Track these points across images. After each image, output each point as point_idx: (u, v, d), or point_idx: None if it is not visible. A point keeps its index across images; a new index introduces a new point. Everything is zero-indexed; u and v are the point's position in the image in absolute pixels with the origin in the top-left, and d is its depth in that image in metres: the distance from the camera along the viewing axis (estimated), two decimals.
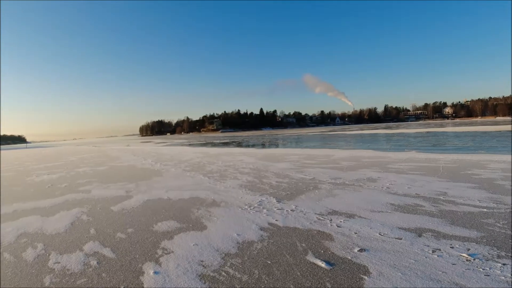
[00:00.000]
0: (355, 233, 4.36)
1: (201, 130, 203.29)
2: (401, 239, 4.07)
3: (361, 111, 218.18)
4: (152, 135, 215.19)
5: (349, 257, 3.55)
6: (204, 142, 45.49)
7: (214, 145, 35.94)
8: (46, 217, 6.05)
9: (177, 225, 5.12)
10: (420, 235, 4.16)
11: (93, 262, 3.80)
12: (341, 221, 4.89)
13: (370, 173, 9.48)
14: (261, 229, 4.70)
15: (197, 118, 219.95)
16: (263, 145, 30.66)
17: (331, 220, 4.99)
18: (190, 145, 39.04)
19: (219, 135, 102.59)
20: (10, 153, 46.38)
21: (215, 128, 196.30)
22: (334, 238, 4.18)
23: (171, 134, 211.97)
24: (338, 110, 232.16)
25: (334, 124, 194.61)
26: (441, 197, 6.08)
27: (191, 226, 5.00)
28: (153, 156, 20.17)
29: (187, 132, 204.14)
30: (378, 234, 4.28)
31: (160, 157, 19.52)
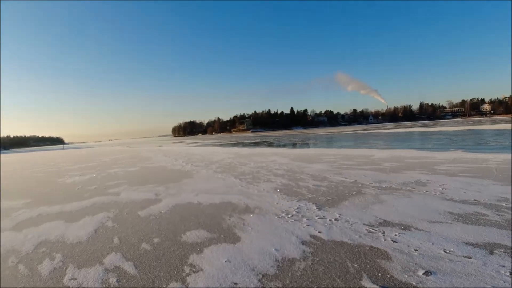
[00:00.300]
0: (415, 250, 3.65)
1: (231, 130, 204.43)
2: (470, 257, 3.36)
3: (395, 109, 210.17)
4: (184, 136, 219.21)
5: (414, 283, 2.89)
6: (235, 142, 45.22)
7: (245, 145, 35.51)
8: (70, 223, 5.74)
9: (207, 235, 4.60)
10: (491, 252, 3.44)
11: (112, 280, 3.35)
12: (396, 234, 4.19)
13: (417, 175, 8.57)
14: (303, 242, 4.08)
15: (228, 119, 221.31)
16: (295, 145, 29.86)
17: (383, 232, 4.30)
18: (221, 145, 38.92)
19: (250, 135, 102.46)
20: (47, 154, 48.36)
21: (245, 128, 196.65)
22: (391, 257, 3.49)
23: (202, 134, 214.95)
24: (371, 108, 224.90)
25: (367, 123, 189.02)
26: (504, 204, 5.26)
27: (223, 237, 4.45)
28: (184, 157, 19.98)
29: (218, 132, 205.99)
30: (443, 252, 3.56)
31: (191, 157, 19.29)
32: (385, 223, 4.69)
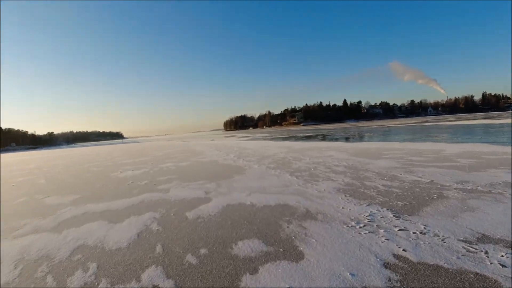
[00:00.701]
0: None
1: (282, 123, 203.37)
2: None
3: (456, 100, 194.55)
4: (235, 130, 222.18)
5: None
6: (287, 136, 44.13)
7: (297, 138, 34.37)
8: (114, 224, 5.32)
9: (262, 247, 3.84)
10: None
11: None
12: (503, 255, 3.18)
13: (503, 174, 7.13)
14: (386, 265, 3.17)
15: (279, 112, 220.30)
16: (351, 139, 28.13)
17: (486, 252, 3.28)
18: (272, 139, 38.13)
19: (301, 129, 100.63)
20: (105, 148, 50.91)
21: (296, 121, 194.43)
22: None
23: (253, 128, 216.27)
24: (430, 98, 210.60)
25: (426, 115, 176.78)
26: None
27: (282, 252, 3.66)
28: (235, 151, 19.53)
29: (269, 126, 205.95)
30: None
31: (242, 152, 18.78)
32: (485, 239, 3.66)
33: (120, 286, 3.13)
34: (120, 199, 7.48)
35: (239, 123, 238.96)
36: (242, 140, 38.29)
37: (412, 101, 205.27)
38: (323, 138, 31.98)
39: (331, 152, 14.86)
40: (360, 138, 27.41)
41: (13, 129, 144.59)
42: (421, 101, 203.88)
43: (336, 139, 27.82)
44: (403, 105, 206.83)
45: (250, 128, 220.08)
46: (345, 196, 6.10)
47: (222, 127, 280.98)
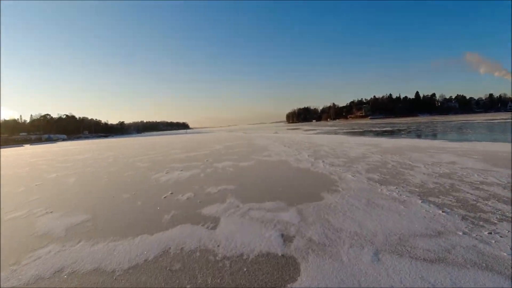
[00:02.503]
0: None
1: (348, 116, 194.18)
2: None
3: None
4: (297, 122, 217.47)
5: None
6: (361, 130, 38.93)
7: (376, 133, 29.45)
8: None
9: None
10: None
11: None
12: None
13: None
14: None
15: (344, 104, 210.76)
16: (449, 135, 22.82)
17: None
18: (345, 133, 33.49)
19: (371, 122, 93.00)
20: (166, 138, 50.08)
21: (363, 114, 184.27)
22: None
23: (316, 121, 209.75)
24: (509, 93, 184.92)
25: (506, 110, 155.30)
26: None
27: None
28: (308, 148, 15.87)
29: (333, 119, 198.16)
30: None
31: (317, 149, 15.07)
32: None
33: None
34: (140, 234, 4.37)
35: (302, 116, 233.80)
36: (310, 134, 34.26)
37: (491, 95, 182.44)
38: (408, 133, 26.88)
39: (447, 156, 10.52)
40: (462, 135, 21.94)
41: (87, 118, 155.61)
42: (500, 95, 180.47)
43: (432, 136, 22.67)
44: (480, 99, 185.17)
45: (313, 120, 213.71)
46: None
47: (284, 120, 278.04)
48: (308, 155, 12.60)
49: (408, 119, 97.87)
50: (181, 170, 10.53)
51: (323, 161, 10.67)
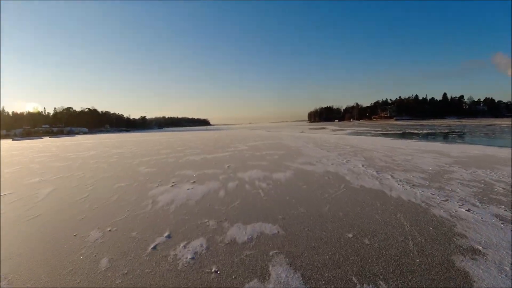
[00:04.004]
0: None
1: (372, 117, 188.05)
2: None
3: None
4: (320, 122, 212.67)
5: None
6: (397, 132, 34.23)
7: (420, 137, 25.39)
8: None
9: None
10: None
11: None
12: None
13: None
14: None
15: (368, 104, 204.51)
16: (491, 140, 19.03)
17: None
18: (382, 135, 29.71)
19: (397, 123, 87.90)
20: (184, 135, 47.57)
21: (388, 115, 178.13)
22: None
23: (339, 120, 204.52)
24: None
25: None
26: None
27: None
28: (353, 153, 12.65)
29: (357, 119, 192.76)
30: None
31: (367, 155, 11.85)
32: None
33: None
34: None
35: (324, 115, 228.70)
36: (341, 134, 30.63)
37: None
38: (460, 136, 23.15)
39: None
40: None
41: (109, 112, 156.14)
42: None
43: (488, 140, 18.96)
44: (509, 102, 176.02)
45: (336, 120, 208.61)
46: None
47: (305, 118, 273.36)
48: (363, 165, 9.42)
49: (437, 122, 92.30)
50: (193, 182, 7.58)
51: (391, 176, 7.52)
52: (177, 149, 18.21)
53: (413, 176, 7.50)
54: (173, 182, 7.73)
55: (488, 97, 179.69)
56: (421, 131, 34.27)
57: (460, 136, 24.42)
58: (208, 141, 25.42)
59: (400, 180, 7.08)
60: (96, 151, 19.89)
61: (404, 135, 27.58)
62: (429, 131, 33.82)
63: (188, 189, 6.90)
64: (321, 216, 4.70)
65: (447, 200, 5.44)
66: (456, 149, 13.46)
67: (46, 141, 46.65)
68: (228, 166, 10.11)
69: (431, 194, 5.86)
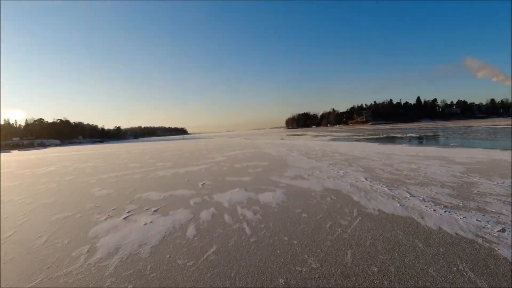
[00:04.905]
0: None
1: (348, 122, 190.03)
2: None
3: None
4: (297, 128, 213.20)
5: None
6: (381, 137, 32.29)
7: (407, 141, 24.50)
8: None
9: None
10: None
11: None
12: None
13: None
14: None
15: (344, 110, 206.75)
16: (483, 141, 18.02)
17: None
18: (366, 139, 28.48)
19: (378, 128, 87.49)
20: (158, 145, 45.16)
21: (364, 120, 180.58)
22: None
23: (316, 126, 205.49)
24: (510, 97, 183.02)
25: (509, 115, 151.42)
26: None
27: None
28: (347, 163, 11.09)
29: (333, 125, 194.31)
30: None
31: (363, 165, 10.30)
32: None
33: None
34: None
35: (301, 121, 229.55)
36: (325, 141, 29.04)
37: (493, 100, 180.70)
38: (449, 139, 22.15)
39: None
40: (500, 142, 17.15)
41: (82, 123, 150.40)
42: (502, 100, 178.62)
43: (485, 142, 17.92)
44: (481, 104, 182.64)
45: (313, 126, 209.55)
46: None
47: (283, 125, 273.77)
48: (366, 178, 7.81)
49: (414, 125, 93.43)
50: (155, 212, 5.71)
51: (409, 193, 5.95)
52: (147, 162, 16.16)
53: (435, 193, 5.94)
54: (128, 212, 5.85)
55: (460, 99, 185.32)
56: (405, 135, 33.34)
57: (448, 139, 23.45)
58: (183, 152, 23.35)
59: (423, 199, 5.50)
60: (56, 166, 17.56)
61: (389, 140, 26.37)
62: (414, 135, 32.94)
63: (145, 223, 5.04)
64: (346, 277, 2.97)
65: (503, 230, 3.90)
66: (458, 154, 12.15)
67: (12, 155, 43.18)
68: (203, 185, 8.27)
69: (477, 220, 4.30)
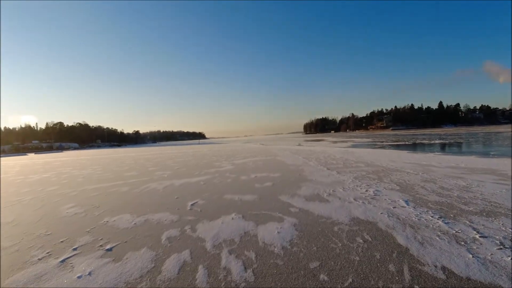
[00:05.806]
0: None
1: (368, 127, 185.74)
2: None
3: None
4: (315, 133, 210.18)
5: None
6: (407, 143, 29.90)
7: (439, 148, 22.25)
8: None
9: None
10: None
11: None
12: None
13: None
14: None
15: (363, 115, 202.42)
16: None
17: None
18: (392, 146, 26.24)
19: (395, 133, 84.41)
20: (172, 150, 43.92)
21: (384, 125, 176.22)
22: None
23: (335, 131, 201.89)
24: None
25: None
26: None
27: None
28: (376, 176, 9.13)
29: (353, 130, 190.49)
30: None
31: (397, 179, 8.33)
32: None
33: None
34: None
35: (320, 126, 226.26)
36: (345, 147, 26.79)
37: None
38: (483, 146, 19.75)
39: None
40: None
41: (102, 127, 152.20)
42: None
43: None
44: (505, 109, 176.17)
45: (332, 131, 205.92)
46: None
47: (300, 130, 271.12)
48: (406, 201, 5.84)
49: (436, 130, 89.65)
50: (106, 252, 3.94)
51: (476, 231, 4.04)
52: (147, 170, 14.60)
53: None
54: (75, 250, 4.14)
55: (484, 104, 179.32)
56: (433, 141, 30.73)
57: (484, 146, 20.98)
58: (191, 158, 21.76)
59: (501, 244, 3.57)
60: (51, 173, 16.25)
61: (417, 147, 24.01)
62: (442, 141, 30.32)
63: (81, 276, 3.31)
64: None
65: None
66: (507, 166, 10.01)
67: (26, 158, 43.06)
68: (192, 205, 6.48)
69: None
